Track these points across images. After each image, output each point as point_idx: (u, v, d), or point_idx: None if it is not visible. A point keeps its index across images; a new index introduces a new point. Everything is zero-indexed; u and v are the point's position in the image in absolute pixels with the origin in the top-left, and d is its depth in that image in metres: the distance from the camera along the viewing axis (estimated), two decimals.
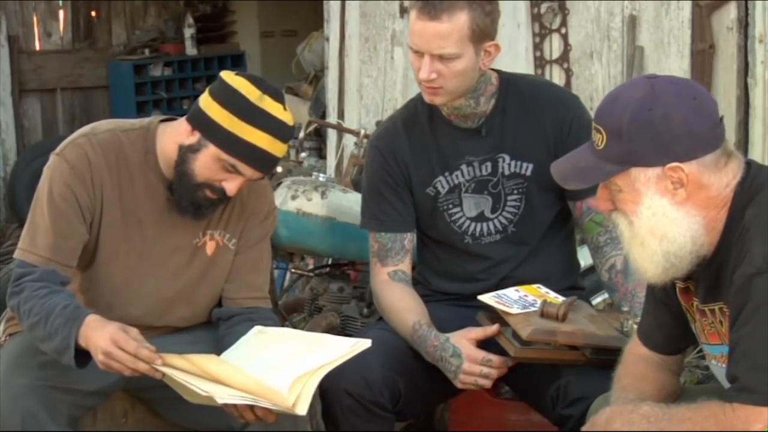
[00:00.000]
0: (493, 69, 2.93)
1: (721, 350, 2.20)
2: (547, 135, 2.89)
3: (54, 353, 2.52)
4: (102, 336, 2.44)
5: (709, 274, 2.17)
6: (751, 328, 2.02)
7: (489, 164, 2.91)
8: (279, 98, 2.61)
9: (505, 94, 2.91)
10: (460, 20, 2.72)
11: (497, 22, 2.82)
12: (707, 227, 2.14)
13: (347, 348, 2.44)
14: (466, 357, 2.73)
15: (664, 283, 2.22)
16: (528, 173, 2.91)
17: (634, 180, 2.14)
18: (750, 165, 2.18)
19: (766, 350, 2.00)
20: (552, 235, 2.97)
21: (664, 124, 2.09)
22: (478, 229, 2.94)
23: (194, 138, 2.61)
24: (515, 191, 2.92)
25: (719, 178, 2.13)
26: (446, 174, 2.93)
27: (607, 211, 2.23)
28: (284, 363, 2.44)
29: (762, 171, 2.17)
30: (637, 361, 2.40)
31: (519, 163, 2.91)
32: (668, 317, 2.35)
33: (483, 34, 2.76)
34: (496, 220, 2.94)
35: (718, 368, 2.24)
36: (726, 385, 2.15)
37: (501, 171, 2.91)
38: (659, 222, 2.13)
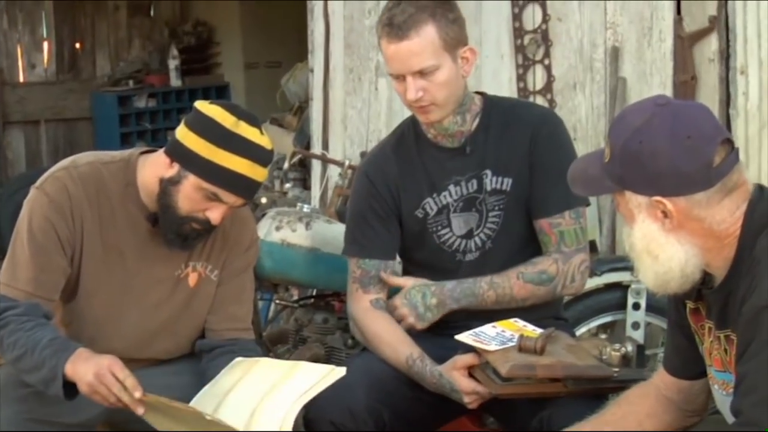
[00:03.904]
0: (477, 92, 2.96)
1: (723, 377, 2.20)
2: (525, 149, 2.91)
3: (40, 384, 2.51)
4: (97, 362, 2.44)
5: (719, 300, 2.17)
6: (758, 362, 2.01)
7: (474, 181, 2.92)
8: (255, 123, 2.62)
9: (489, 113, 2.93)
10: (429, 33, 2.75)
11: (465, 27, 2.85)
12: (708, 253, 2.13)
13: (321, 374, 2.44)
14: (461, 391, 2.74)
15: (664, 295, 2.23)
16: (508, 188, 2.92)
17: (628, 200, 2.16)
18: (762, 191, 2.15)
19: None
20: (528, 253, 2.95)
21: (651, 160, 2.09)
22: (467, 245, 2.95)
23: (174, 170, 2.61)
24: (496, 207, 2.93)
25: (712, 214, 2.11)
26: (434, 195, 2.94)
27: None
28: (263, 395, 2.44)
29: None
30: (641, 387, 2.42)
31: (500, 178, 2.92)
32: (683, 339, 2.34)
33: (454, 41, 2.79)
34: (476, 237, 2.94)
35: (720, 394, 2.23)
36: (725, 412, 2.14)
37: (485, 187, 2.92)
38: (650, 244, 2.14)
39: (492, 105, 2.95)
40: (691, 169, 2.08)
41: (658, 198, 2.10)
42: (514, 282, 2.88)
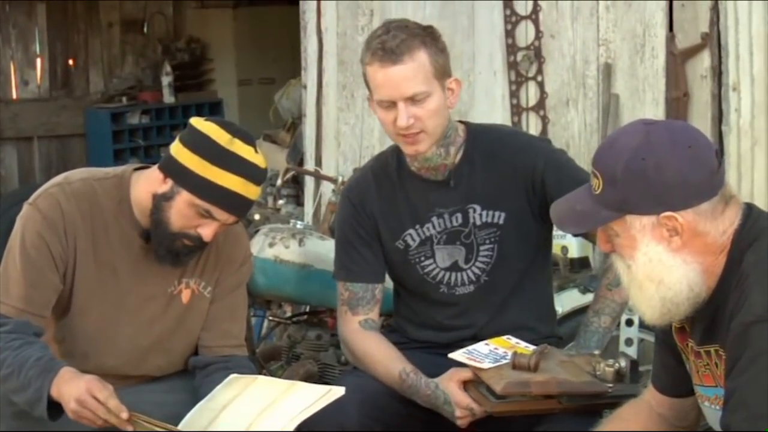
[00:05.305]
0: (460, 121, 2.94)
1: (715, 392, 2.19)
2: (518, 183, 2.88)
3: (26, 405, 2.50)
4: (77, 385, 2.43)
5: (706, 316, 2.16)
6: (748, 377, 2.00)
7: (459, 215, 2.90)
8: (249, 141, 2.62)
9: (472, 145, 2.90)
10: (422, 58, 2.74)
11: (449, 59, 2.84)
12: (705, 272, 2.13)
13: (319, 394, 2.43)
14: (455, 404, 2.73)
15: (663, 325, 2.22)
16: (501, 222, 2.90)
17: (629, 226, 2.12)
18: (751, 208, 2.17)
19: (763, 401, 1.98)
20: (527, 283, 2.95)
21: (658, 175, 2.08)
22: (452, 278, 2.93)
23: (167, 186, 2.61)
24: (487, 241, 2.91)
25: (716, 225, 2.11)
26: (417, 227, 2.92)
27: (607, 252, 2.23)
28: (259, 413, 2.43)
29: (762, 216, 2.16)
30: (634, 404, 2.42)
31: (491, 212, 2.90)
32: (671, 357, 2.34)
33: (443, 70, 2.78)
34: (469, 271, 2.92)
35: (711, 410, 2.22)
36: (717, 428, 2.14)
37: (472, 221, 2.90)
38: (655, 268, 2.12)
39: (475, 135, 2.92)
40: (697, 178, 2.09)
41: (668, 213, 2.08)
42: (612, 295, 2.87)
